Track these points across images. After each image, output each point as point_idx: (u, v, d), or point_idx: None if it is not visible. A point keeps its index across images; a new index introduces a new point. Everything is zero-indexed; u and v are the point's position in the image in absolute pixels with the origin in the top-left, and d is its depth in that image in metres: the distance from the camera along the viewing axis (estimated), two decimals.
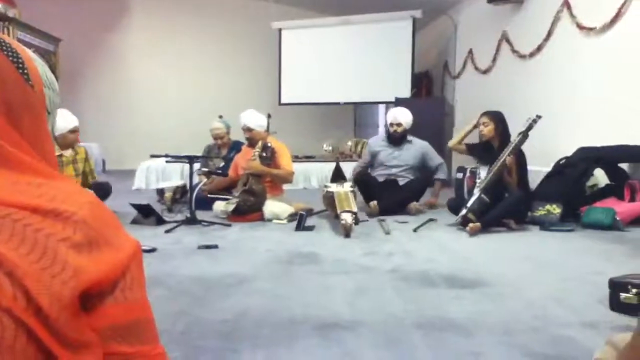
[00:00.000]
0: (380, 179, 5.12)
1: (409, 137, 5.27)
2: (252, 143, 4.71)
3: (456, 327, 1.98)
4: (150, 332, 0.67)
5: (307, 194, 6.06)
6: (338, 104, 8.93)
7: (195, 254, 3.23)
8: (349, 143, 8.34)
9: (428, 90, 8.92)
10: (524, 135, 4.00)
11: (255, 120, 4.70)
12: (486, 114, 4.32)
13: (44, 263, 0.55)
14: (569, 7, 5.19)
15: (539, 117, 4.00)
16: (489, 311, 2.15)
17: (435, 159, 5.28)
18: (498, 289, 2.46)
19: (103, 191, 4.61)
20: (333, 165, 5.39)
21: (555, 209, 4.09)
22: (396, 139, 5.20)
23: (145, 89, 9.62)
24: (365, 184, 4.99)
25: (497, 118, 4.25)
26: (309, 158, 7.57)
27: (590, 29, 4.88)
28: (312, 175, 7.08)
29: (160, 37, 9.61)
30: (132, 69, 9.65)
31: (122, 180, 6.93)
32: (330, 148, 8.29)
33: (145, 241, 3.38)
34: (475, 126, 4.46)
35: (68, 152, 4.34)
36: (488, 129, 4.22)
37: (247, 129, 4.70)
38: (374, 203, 4.66)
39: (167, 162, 6.64)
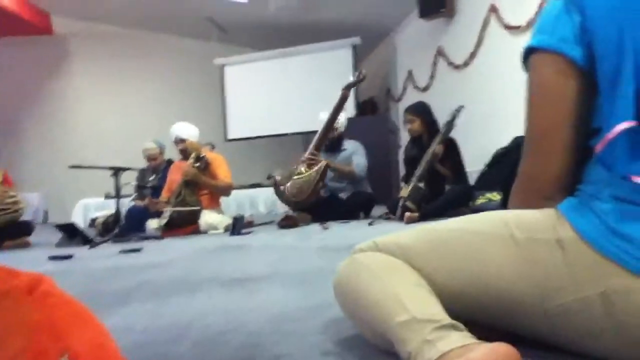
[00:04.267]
0: (323, 194, 4.59)
1: (345, 143, 4.75)
2: (185, 155, 4.50)
3: None
4: None
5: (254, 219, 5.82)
6: (285, 135, 8.85)
7: (111, 258, 2.95)
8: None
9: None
10: (449, 125, 3.95)
11: (187, 129, 4.52)
12: (408, 110, 4.21)
13: None
14: (495, 10, 5.31)
15: (461, 107, 3.99)
16: None
17: (359, 160, 4.64)
18: None
19: (26, 228, 4.24)
20: None
21: (496, 196, 4.01)
22: (329, 146, 4.66)
23: (88, 132, 9.30)
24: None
25: (421, 110, 4.16)
26: (255, 185, 7.35)
27: (517, 27, 4.98)
28: (260, 201, 6.87)
29: (103, 80, 9.37)
30: (73, 113, 9.34)
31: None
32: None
33: None
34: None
35: None
36: (415, 124, 4.14)
37: (180, 140, 4.50)
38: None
39: (106, 198, 6.44)
